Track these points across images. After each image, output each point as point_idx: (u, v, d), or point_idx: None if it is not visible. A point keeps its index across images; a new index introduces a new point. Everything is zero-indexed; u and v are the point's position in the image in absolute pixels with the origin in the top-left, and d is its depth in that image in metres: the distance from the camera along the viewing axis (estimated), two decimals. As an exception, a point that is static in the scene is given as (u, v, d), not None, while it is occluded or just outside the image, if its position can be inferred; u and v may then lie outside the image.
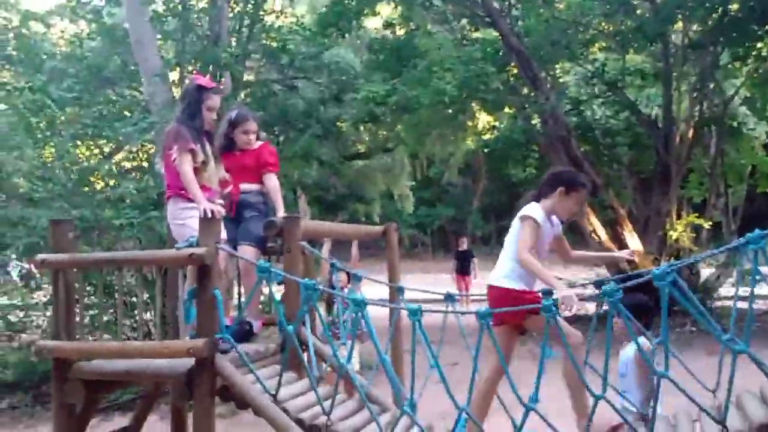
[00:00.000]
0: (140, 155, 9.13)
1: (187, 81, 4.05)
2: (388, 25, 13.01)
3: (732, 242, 2.82)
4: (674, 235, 11.19)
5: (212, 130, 4.04)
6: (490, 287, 3.42)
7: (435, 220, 27.92)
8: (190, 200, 3.67)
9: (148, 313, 6.52)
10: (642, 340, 3.07)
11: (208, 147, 3.87)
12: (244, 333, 4.08)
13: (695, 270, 11.49)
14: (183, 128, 3.76)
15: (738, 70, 12.37)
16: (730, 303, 9.13)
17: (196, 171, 3.74)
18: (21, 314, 7.84)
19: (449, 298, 3.78)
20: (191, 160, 3.69)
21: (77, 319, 3.75)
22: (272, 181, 4.42)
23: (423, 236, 29.33)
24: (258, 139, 4.50)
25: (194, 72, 9.14)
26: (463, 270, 13.54)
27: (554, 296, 2.90)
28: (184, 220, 3.68)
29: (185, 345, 3.32)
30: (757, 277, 2.57)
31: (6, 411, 7.17)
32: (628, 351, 3.59)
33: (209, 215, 3.43)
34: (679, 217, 11.65)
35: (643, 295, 3.58)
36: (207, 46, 9.19)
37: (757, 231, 2.62)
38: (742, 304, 2.93)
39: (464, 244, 14.35)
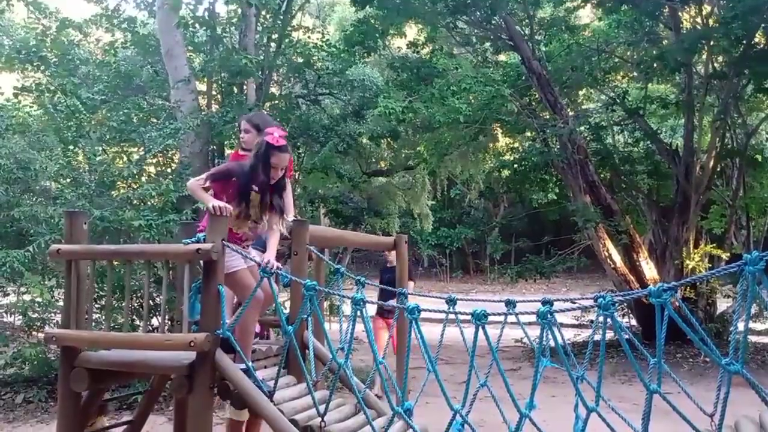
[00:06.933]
0: (164, 160, 9.36)
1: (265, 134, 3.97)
2: (412, 45, 13.22)
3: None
4: (690, 264, 11.07)
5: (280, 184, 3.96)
6: None
7: (455, 241, 27.92)
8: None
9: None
10: None
11: (255, 199, 3.79)
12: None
13: (712, 300, 11.34)
14: (236, 170, 3.78)
15: (762, 102, 12.26)
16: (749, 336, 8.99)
17: (232, 218, 3.70)
18: (39, 310, 7.98)
19: (451, 302, 3.77)
20: (203, 186, 3.75)
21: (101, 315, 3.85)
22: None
23: (441, 257, 29.35)
24: None
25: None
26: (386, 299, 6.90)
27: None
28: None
29: (187, 338, 3.41)
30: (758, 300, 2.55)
31: (21, 405, 7.30)
32: None
33: (218, 212, 3.53)
34: (696, 246, 11.52)
35: None
36: (232, 56, 9.44)
37: (755, 252, 2.63)
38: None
39: (393, 258, 6.85)
